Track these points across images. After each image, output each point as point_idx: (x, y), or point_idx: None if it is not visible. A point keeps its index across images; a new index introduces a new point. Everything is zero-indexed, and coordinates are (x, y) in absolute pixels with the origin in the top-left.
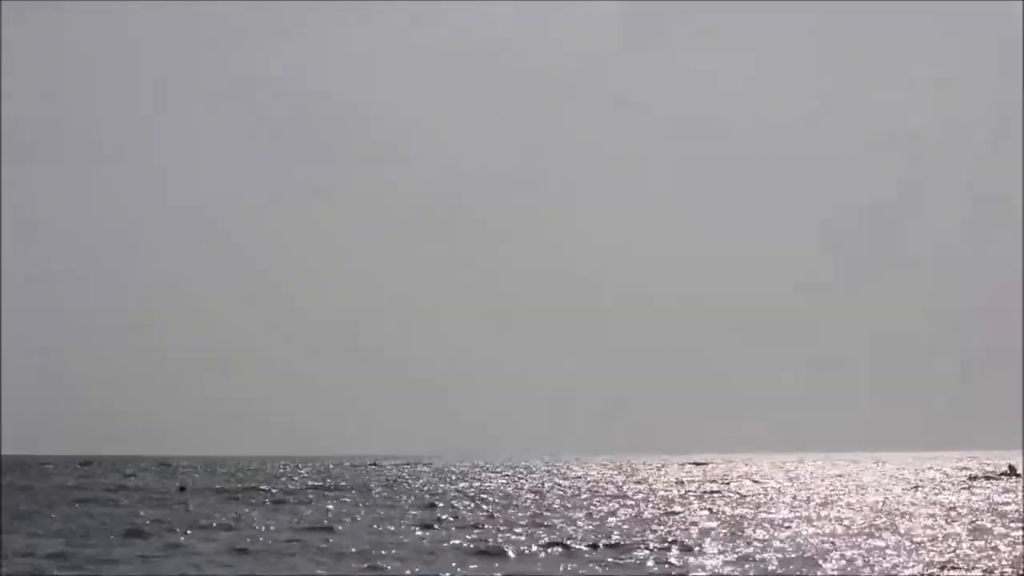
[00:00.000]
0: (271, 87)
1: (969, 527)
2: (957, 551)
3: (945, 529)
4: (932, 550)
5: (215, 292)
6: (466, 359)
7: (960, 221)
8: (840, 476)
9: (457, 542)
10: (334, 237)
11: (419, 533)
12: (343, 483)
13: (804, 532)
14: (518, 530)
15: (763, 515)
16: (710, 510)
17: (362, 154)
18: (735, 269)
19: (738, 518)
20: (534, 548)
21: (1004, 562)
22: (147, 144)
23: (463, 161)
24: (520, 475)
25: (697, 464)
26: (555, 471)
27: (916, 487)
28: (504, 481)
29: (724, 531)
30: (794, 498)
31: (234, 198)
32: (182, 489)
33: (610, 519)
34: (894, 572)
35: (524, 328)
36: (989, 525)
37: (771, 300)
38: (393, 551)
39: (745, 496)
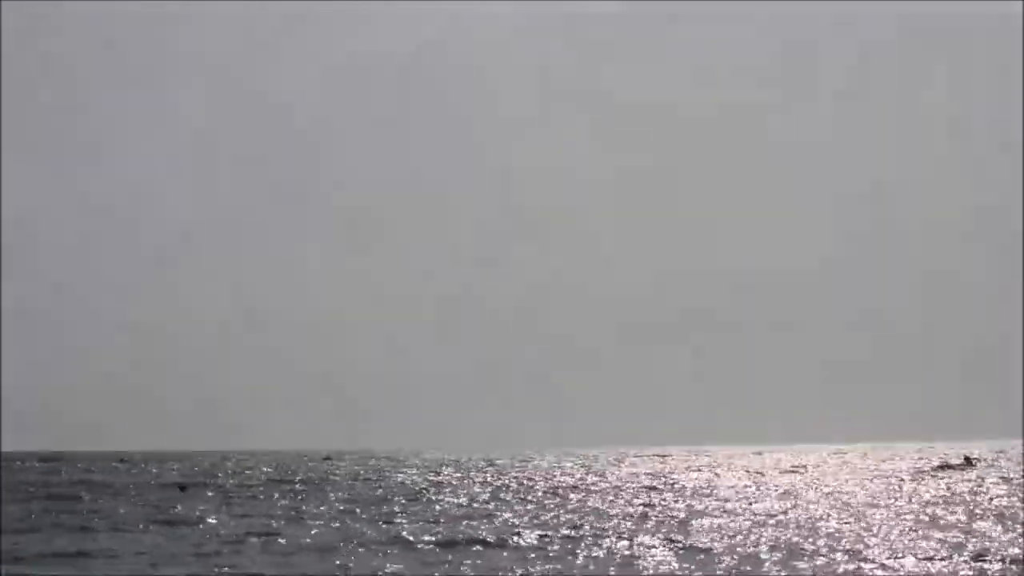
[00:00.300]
0: (269, 90)
1: (916, 516)
2: (901, 540)
3: (892, 521)
4: (878, 540)
5: (178, 289)
6: (428, 353)
7: (961, 218)
8: (802, 467)
9: (412, 535)
10: (306, 236)
11: (379, 526)
12: (300, 477)
13: (757, 522)
14: (474, 523)
15: (715, 505)
16: (662, 501)
17: (365, 151)
18: (723, 258)
19: (690, 509)
20: (490, 540)
21: (948, 552)
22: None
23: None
24: (479, 469)
25: (659, 456)
26: (515, 464)
27: (872, 478)
28: (461, 475)
29: (676, 522)
30: (747, 487)
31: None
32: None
33: (562, 511)
34: (835, 561)
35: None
36: (940, 514)
37: (758, 290)
38: (350, 545)
39: (701, 487)
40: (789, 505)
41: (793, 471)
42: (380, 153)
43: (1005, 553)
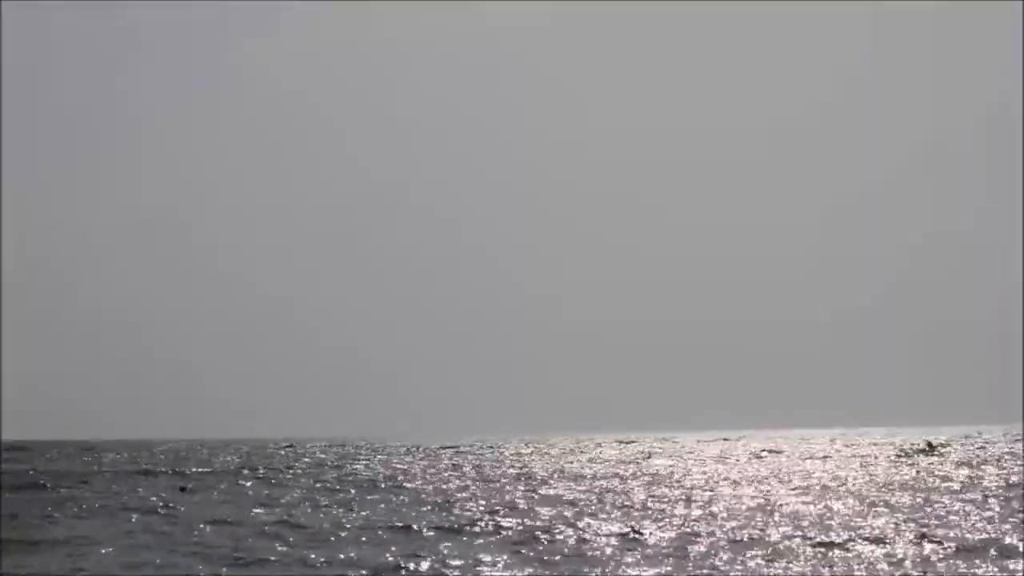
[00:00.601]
0: (269, 88)
1: (873, 499)
2: (855, 522)
3: (848, 504)
4: (833, 523)
5: (144, 280)
6: (426, 349)
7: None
8: (768, 451)
9: (372, 522)
10: (306, 234)
11: (339, 512)
12: (263, 464)
13: (717, 507)
14: (424, 509)
15: (671, 492)
16: (622, 488)
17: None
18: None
19: (651, 494)
20: (445, 525)
21: (899, 534)
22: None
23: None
24: (438, 455)
25: (623, 442)
26: (474, 451)
27: (834, 462)
28: (428, 463)
29: (636, 509)
30: (704, 475)
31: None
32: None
33: (516, 498)
34: (793, 545)
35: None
36: (892, 500)
37: (752, 289)
38: (300, 531)
39: (660, 473)
40: (751, 491)
41: (758, 456)
42: (380, 152)
43: (954, 536)
